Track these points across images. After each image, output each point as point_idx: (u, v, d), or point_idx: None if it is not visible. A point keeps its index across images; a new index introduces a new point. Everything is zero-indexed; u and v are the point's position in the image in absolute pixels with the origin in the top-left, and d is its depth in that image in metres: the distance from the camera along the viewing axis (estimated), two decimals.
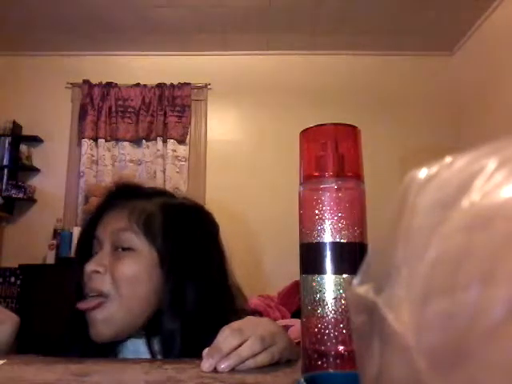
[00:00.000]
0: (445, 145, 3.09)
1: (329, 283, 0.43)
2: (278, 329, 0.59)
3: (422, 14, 3.13)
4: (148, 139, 3.49)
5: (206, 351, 0.53)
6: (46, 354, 0.61)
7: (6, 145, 3.42)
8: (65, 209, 3.44)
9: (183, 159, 3.51)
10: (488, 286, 0.15)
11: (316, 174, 0.46)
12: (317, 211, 0.44)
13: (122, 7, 3.11)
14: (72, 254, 3.07)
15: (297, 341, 0.58)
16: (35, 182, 3.53)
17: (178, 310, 0.69)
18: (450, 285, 0.16)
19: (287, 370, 0.53)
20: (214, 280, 0.74)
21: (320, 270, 0.43)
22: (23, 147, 3.49)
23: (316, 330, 0.43)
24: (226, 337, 0.53)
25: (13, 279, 3.28)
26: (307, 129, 0.48)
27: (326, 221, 0.44)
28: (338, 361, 0.41)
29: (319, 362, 0.42)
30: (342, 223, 0.44)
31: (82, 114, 3.53)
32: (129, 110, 3.53)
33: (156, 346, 0.69)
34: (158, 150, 3.45)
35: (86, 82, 3.56)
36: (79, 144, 3.51)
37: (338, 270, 0.43)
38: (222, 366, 0.51)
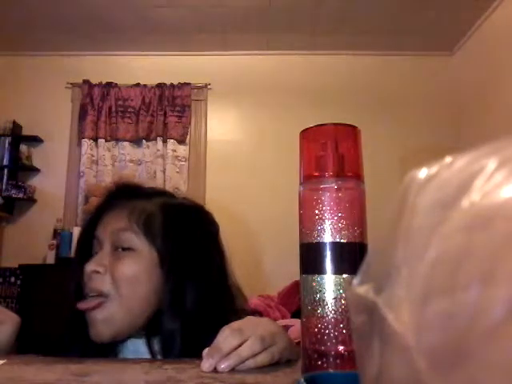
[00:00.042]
0: (445, 145, 3.09)
1: (329, 283, 0.43)
2: (278, 329, 0.59)
3: (422, 14, 3.13)
4: (148, 139, 3.49)
5: (205, 351, 0.53)
6: (45, 353, 0.61)
7: (6, 145, 3.42)
8: (65, 209, 3.44)
9: (183, 159, 3.51)
10: (488, 286, 0.15)
11: (316, 174, 0.46)
12: (317, 211, 0.44)
13: (122, 7, 3.11)
14: (72, 254, 3.07)
15: (297, 341, 0.58)
16: (35, 182, 3.53)
17: (178, 310, 0.69)
18: (449, 285, 0.16)
19: (287, 370, 0.53)
20: (213, 280, 0.74)
21: (320, 270, 0.43)
22: (23, 147, 3.49)
23: (316, 330, 0.43)
24: (226, 337, 0.53)
25: (13, 279, 3.28)
26: (307, 129, 0.48)
27: (326, 221, 0.44)
28: (338, 361, 0.41)
29: (319, 362, 0.42)
30: (342, 223, 0.44)
31: (82, 114, 3.53)
32: (129, 110, 3.53)
33: (156, 346, 0.69)
34: (158, 150, 3.45)
35: (85, 82, 3.56)
36: (79, 144, 3.51)
37: (338, 270, 0.43)
38: (222, 366, 0.51)
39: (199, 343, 0.57)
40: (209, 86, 3.61)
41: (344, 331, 0.42)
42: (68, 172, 3.51)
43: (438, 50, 3.57)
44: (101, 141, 3.46)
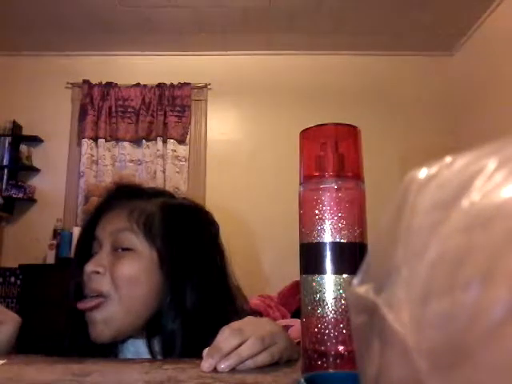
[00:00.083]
0: (445, 145, 3.09)
1: (329, 283, 0.43)
2: (278, 329, 0.59)
3: (422, 14, 3.13)
4: (148, 139, 3.49)
5: (206, 351, 0.53)
6: (46, 353, 0.61)
7: (6, 145, 3.42)
8: (65, 209, 3.44)
9: (183, 159, 3.51)
10: (488, 286, 0.15)
11: (316, 173, 0.46)
12: (317, 211, 0.44)
13: (122, 7, 3.11)
14: (72, 254, 3.06)
15: (297, 341, 0.58)
16: (35, 182, 3.53)
17: (178, 310, 0.69)
18: (449, 285, 0.16)
19: (287, 370, 0.53)
20: (214, 280, 0.74)
21: (320, 270, 0.43)
22: (23, 147, 3.49)
23: (316, 330, 0.43)
24: (226, 337, 0.53)
25: (13, 279, 3.28)
26: (307, 129, 0.48)
27: (326, 221, 0.44)
28: (338, 361, 0.41)
29: (319, 362, 0.42)
30: (342, 223, 0.44)
31: (82, 114, 3.53)
32: (129, 110, 3.53)
33: (156, 347, 0.69)
34: (158, 150, 3.45)
35: (85, 81, 3.56)
36: (79, 144, 3.51)
37: (338, 270, 0.43)
38: (222, 366, 0.51)
39: (199, 343, 0.57)
40: (209, 86, 3.61)
41: (344, 331, 0.42)
42: (68, 172, 3.51)
43: (438, 50, 3.57)
44: (101, 141, 3.45)
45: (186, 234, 0.75)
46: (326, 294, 0.43)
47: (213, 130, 3.59)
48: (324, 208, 0.44)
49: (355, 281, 0.23)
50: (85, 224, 0.78)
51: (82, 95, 3.56)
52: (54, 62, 3.65)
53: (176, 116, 3.53)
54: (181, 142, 3.52)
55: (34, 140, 3.53)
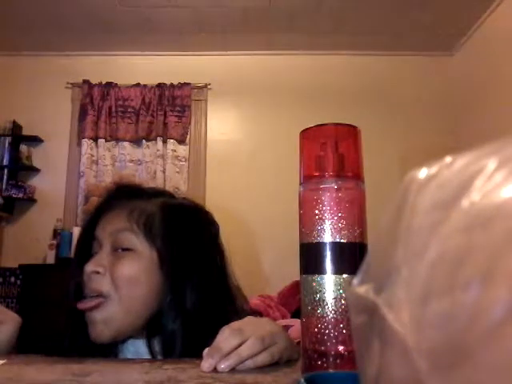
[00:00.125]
0: (445, 145, 3.09)
1: (329, 283, 0.43)
2: (278, 329, 0.59)
3: (422, 14, 3.13)
4: (148, 139, 3.49)
5: (206, 351, 0.53)
6: (46, 354, 0.61)
7: (6, 145, 3.42)
8: (65, 209, 3.44)
9: (183, 159, 3.51)
10: (488, 286, 0.15)
11: (316, 173, 0.46)
12: (317, 211, 0.44)
13: (122, 7, 3.11)
14: (72, 254, 3.06)
15: (297, 341, 0.58)
16: (35, 182, 3.53)
17: (178, 311, 0.69)
18: (449, 285, 0.16)
19: (287, 370, 0.53)
20: (214, 280, 0.74)
21: (320, 270, 0.43)
22: (23, 147, 3.49)
23: (316, 330, 0.43)
24: (226, 337, 0.53)
25: (13, 279, 3.28)
26: (307, 129, 0.48)
27: (326, 221, 0.44)
28: (338, 361, 0.41)
29: (319, 362, 0.42)
30: (342, 223, 0.44)
31: (82, 114, 3.53)
32: (129, 110, 3.53)
33: (156, 347, 0.69)
34: (158, 150, 3.45)
35: (85, 81, 3.56)
36: (79, 144, 3.51)
37: (338, 270, 0.43)
38: (222, 366, 0.51)
39: (199, 343, 0.57)
40: (209, 86, 3.61)
41: (344, 331, 0.42)
42: (68, 172, 3.51)
43: (438, 50, 3.57)
44: (101, 141, 3.45)
45: (186, 234, 0.75)
46: (326, 294, 0.43)
47: (213, 130, 3.59)
48: (324, 208, 0.44)
49: (355, 281, 0.23)
50: (85, 224, 0.78)
51: (82, 95, 3.56)
52: (53, 62, 3.65)
53: (176, 116, 3.53)
54: (181, 141, 3.52)
55: (34, 140, 3.53)
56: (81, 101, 3.56)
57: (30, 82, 3.61)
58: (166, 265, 0.71)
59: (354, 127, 0.47)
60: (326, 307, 0.43)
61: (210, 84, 3.60)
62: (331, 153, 0.45)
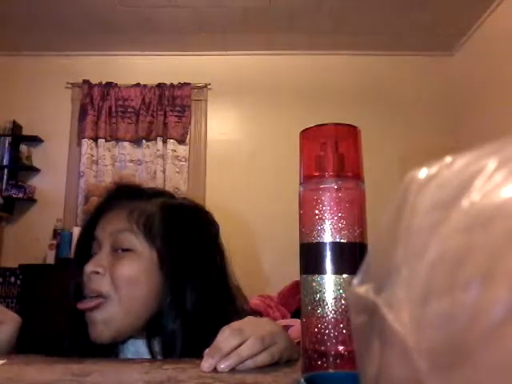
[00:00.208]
0: (445, 145, 3.09)
1: (329, 283, 0.43)
2: (278, 329, 0.59)
3: (422, 14, 3.13)
4: (148, 139, 3.49)
5: (206, 351, 0.53)
6: (46, 354, 0.61)
7: (6, 145, 3.42)
8: (65, 209, 3.44)
9: (183, 159, 3.51)
10: (488, 286, 0.15)
11: (316, 173, 0.46)
12: (317, 211, 0.44)
13: (122, 7, 3.11)
14: (72, 254, 3.06)
15: (297, 341, 0.58)
16: (35, 182, 3.53)
17: (178, 311, 0.69)
18: (449, 285, 0.16)
19: (287, 370, 0.53)
20: (214, 280, 0.74)
21: (320, 270, 0.43)
22: (23, 147, 3.49)
23: (316, 330, 0.43)
24: (226, 337, 0.53)
25: (13, 279, 3.28)
26: (307, 129, 0.48)
27: (326, 221, 0.44)
28: (338, 361, 0.41)
29: (319, 362, 0.42)
30: (342, 223, 0.44)
31: (82, 114, 3.53)
32: (129, 110, 3.53)
33: (156, 347, 0.69)
34: (158, 150, 3.45)
35: (85, 81, 3.56)
36: (79, 144, 3.51)
37: (338, 270, 0.43)
38: (222, 366, 0.51)
39: (199, 343, 0.57)
40: (209, 86, 3.61)
41: (344, 331, 0.42)
42: (68, 172, 3.51)
43: (438, 50, 3.57)
44: (101, 141, 3.45)
45: (185, 235, 0.75)
46: (326, 294, 0.43)
47: (213, 130, 3.59)
48: (324, 208, 0.44)
49: (355, 281, 0.23)
50: (85, 224, 0.78)
51: (82, 95, 3.56)
52: (54, 62, 3.65)
53: (176, 116, 3.53)
54: (181, 141, 3.52)
55: (34, 140, 3.53)
56: (81, 101, 3.56)
57: (30, 82, 3.61)
58: (166, 265, 0.71)
59: (354, 127, 0.47)
60: (326, 307, 0.43)
61: (209, 84, 3.60)
62: (331, 153, 0.45)
